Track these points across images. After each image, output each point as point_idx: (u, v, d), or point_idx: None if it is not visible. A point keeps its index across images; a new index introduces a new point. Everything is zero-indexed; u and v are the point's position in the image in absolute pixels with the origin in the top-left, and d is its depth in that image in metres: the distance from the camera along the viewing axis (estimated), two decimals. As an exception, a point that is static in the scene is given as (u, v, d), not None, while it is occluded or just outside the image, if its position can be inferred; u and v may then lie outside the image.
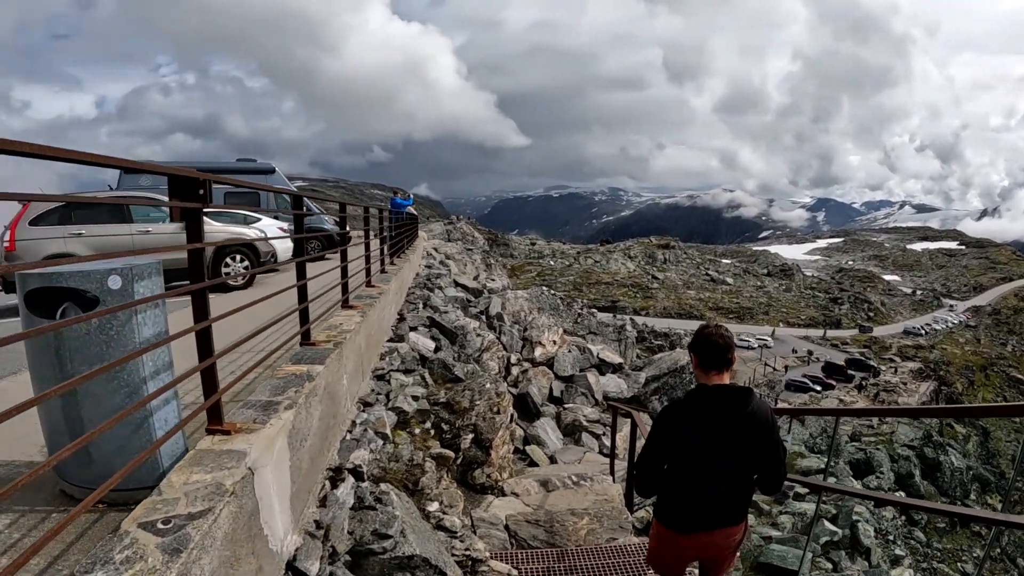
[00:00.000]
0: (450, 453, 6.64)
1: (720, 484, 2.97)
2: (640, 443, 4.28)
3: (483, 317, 14.42)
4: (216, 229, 9.70)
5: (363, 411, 5.53)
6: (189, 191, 2.56)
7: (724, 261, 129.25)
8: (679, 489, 3.05)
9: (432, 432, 6.95)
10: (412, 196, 21.09)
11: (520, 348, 14.65)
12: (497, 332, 13.89)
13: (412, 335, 8.92)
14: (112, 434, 2.57)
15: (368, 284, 7.99)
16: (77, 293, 2.49)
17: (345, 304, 6.29)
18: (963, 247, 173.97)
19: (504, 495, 7.39)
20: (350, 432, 4.88)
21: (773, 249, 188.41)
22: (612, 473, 8.72)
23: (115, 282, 2.54)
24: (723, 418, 2.89)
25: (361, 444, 4.72)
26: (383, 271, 9.77)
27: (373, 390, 6.31)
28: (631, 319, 40.04)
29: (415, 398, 7.00)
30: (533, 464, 9.81)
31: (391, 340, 8.35)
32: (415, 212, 21.07)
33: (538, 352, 14.87)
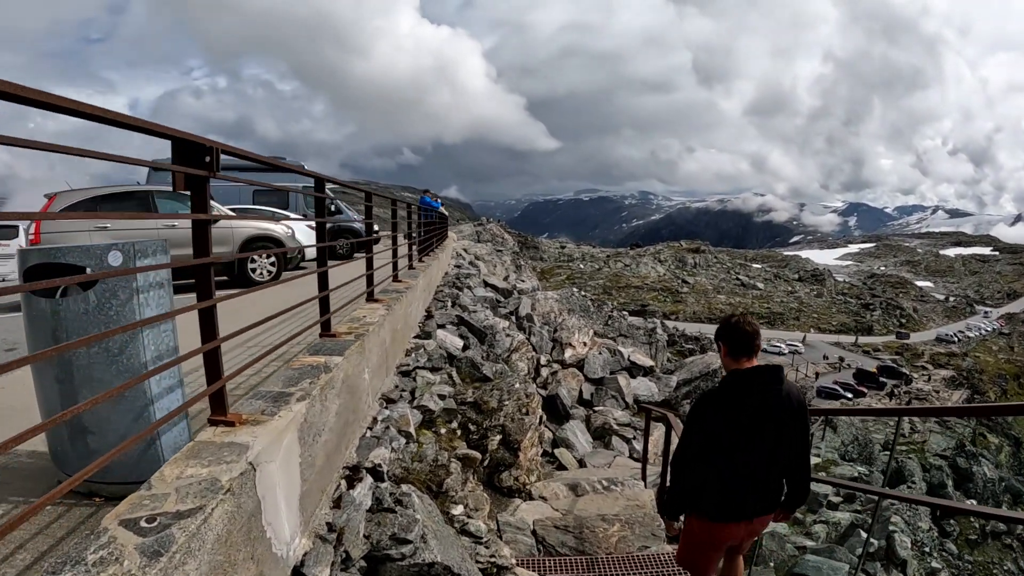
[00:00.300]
0: (476, 454, 6.38)
1: (756, 470, 3.02)
2: (675, 447, 4.09)
3: (513, 317, 14.19)
4: (243, 224, 9.65)
5: (386, 408, 5.31)
6: (195, 158, 2.35)
7: (755, 266, 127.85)
8: (718, 478, 3.06)
9: (458, 432, 6.71)
10: (440, 200, 21.03)
11: (550, 349, 14.40)
12: (527, 333, 13.65)
13: (440, 332, 8.72)
14: (113, 424, 2.48)
15: (395, 279, 7.80)
16: (76, 270, 2.39)
17: (370, 297, 6.08)
18: (996, 253, 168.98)
19: (532, 499, 7.14)
20: (371, 429, 4.65)
21: (804, 254, 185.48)
22: (644, 478, 8.41)
23: (115, 258, 2.43)
24: (759, 399, 2.96)
25: (382, 442, 4.49)
26: (411, 267, 9.59)
27: (397, 386, 6.09)
28: (661, 323, 39.56)
29: (441, 397, 6.77)
30: (562, 467, 9.53)
31: (418, 336, 8.15)
32: (445, 212, 20.98)
33: (568, 354, 14.60)
